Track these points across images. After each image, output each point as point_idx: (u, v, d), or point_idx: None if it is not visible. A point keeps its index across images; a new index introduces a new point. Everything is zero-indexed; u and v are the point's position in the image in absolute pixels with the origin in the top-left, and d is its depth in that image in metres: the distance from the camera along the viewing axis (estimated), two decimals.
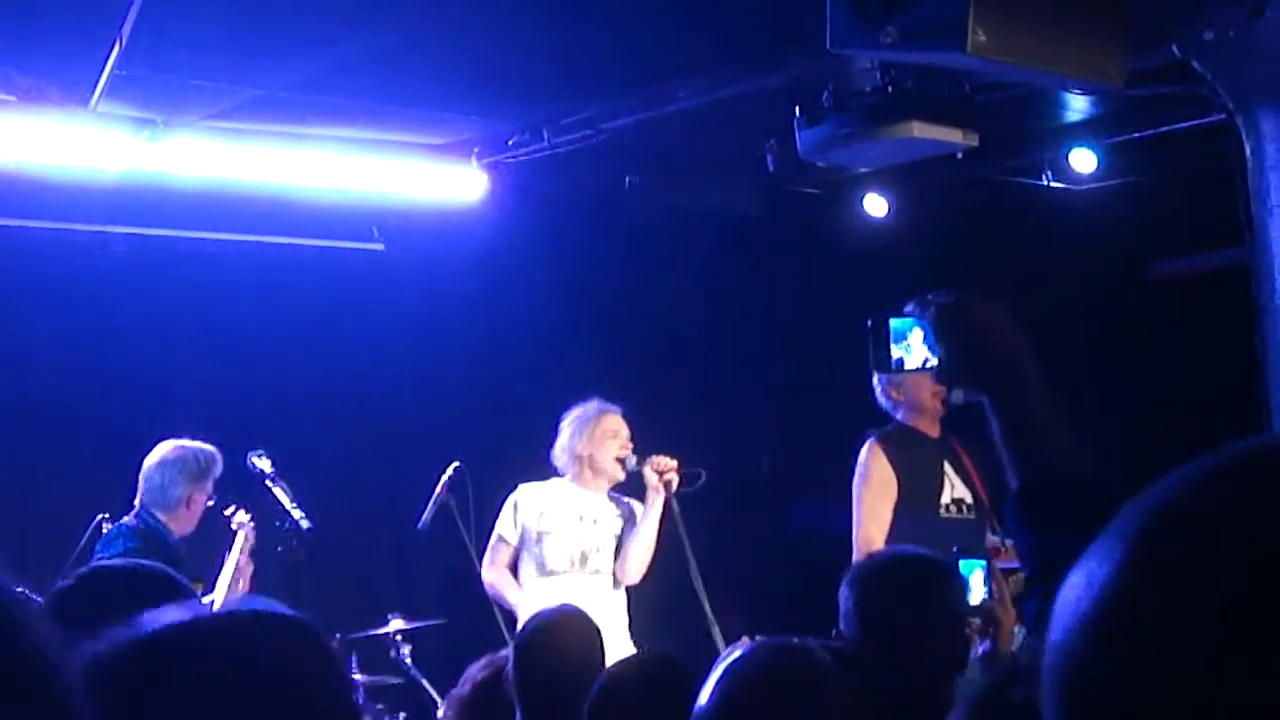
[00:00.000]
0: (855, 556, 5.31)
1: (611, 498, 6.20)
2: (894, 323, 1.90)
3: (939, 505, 5.79)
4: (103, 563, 3.05)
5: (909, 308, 1.88)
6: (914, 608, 3.15)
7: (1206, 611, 0.72)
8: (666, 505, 6.03)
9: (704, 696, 2.06)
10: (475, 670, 3.79)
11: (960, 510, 5.84)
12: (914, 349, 1.88)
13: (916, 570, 3.28)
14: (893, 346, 1.89)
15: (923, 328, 1.87)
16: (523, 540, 6.08)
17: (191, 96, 6.05)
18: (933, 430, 5.88)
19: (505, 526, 6.11)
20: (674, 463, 6.02)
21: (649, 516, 6.06)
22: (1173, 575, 0.73)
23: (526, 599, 5.89)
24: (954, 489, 5.87)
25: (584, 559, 6.05)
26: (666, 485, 5.99)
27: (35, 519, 6.41)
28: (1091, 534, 1.60)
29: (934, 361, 1.87)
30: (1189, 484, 0.78)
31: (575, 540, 6.06)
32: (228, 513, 5.89)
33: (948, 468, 5.88)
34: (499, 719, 3.60)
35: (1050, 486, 1.72)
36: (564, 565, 6.03)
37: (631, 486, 6.21)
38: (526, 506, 6.10)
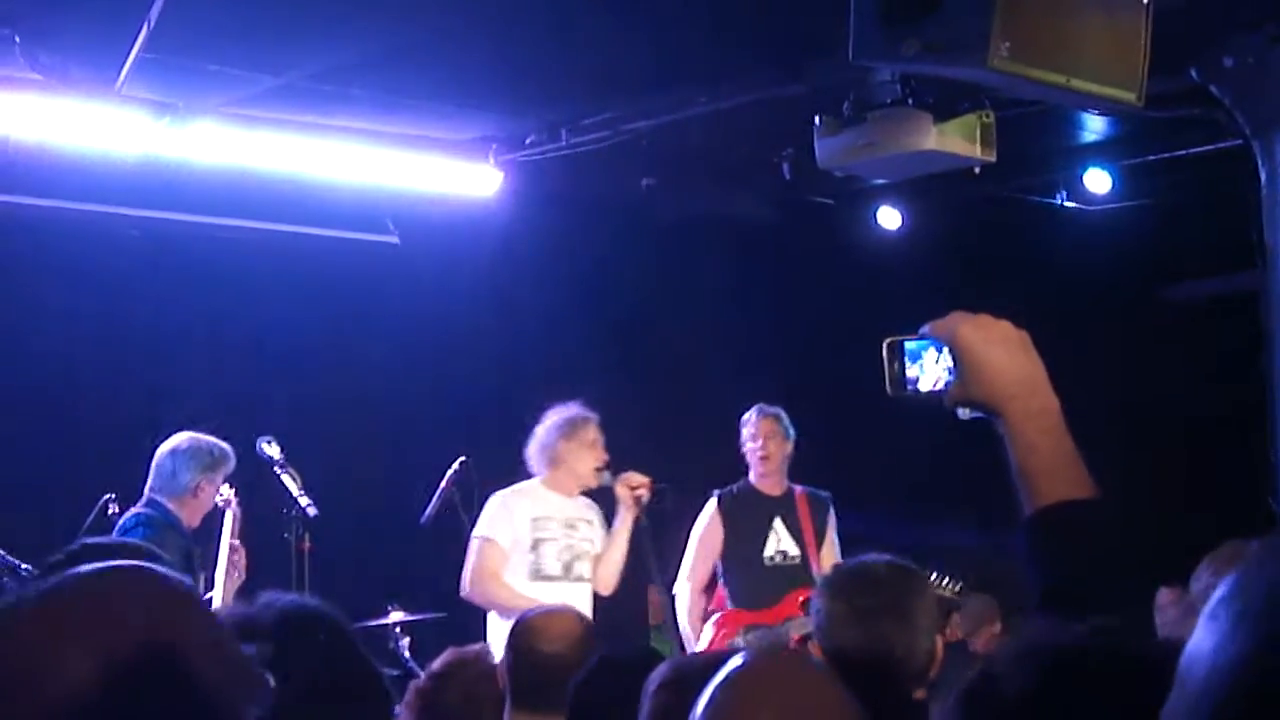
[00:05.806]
0: None
1: (586, 505, 6.26)
2: (908, 344, 1.85)
3: None
4: (89, 539, 3.07)
5: (924, 329, 1.84)
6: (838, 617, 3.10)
7: None
8: (635, 519, 6.10)
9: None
10: (436, 662, 3.78)
11: None
12: (928, 370, 1.84)
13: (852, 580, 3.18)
14: (908, 368, 1.84)
15: (937, 349, 1.82)
16: (513, 545, 6.09)
17: (213, 83, 6.06)
18: None
19: (498, 530, 6.08)
20: (647, 480, 6.07)
21: (623, 530, 6.12)
22: None
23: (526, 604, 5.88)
24: None
25: (570, 566, 6.12)
26: (638, 500, 6.05)
27: (48, 499, 6.43)
28: (1107, 564, 1.60)
29: (948, 382, 1.82)
30: None
31: (566, 547, 6.13)
32: None
33: None
34: (453, 711, 3.60)
35: (1064, 514, 1.69)
36: (557, 571, 6.09)
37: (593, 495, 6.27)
38: (520, 511, 6.12)
